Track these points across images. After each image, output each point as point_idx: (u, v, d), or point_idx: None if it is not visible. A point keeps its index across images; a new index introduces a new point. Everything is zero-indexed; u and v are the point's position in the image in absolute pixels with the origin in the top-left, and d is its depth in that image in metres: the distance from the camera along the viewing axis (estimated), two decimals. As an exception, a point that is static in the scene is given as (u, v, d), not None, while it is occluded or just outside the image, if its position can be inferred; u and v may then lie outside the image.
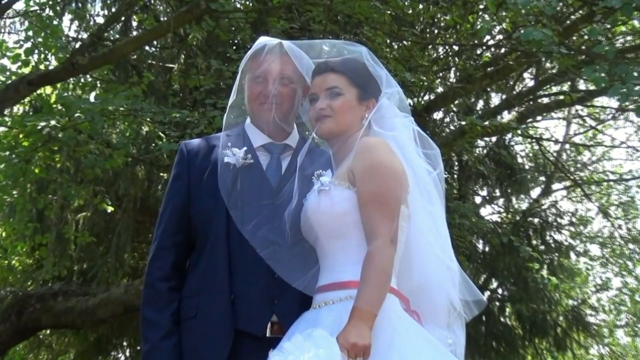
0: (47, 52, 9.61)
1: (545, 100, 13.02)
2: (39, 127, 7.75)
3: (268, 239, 3.06)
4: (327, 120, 3.06)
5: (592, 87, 10.86)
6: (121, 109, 8.16)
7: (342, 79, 3.09)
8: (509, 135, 12.78)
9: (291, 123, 3.34)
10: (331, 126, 3.07)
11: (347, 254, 2.92)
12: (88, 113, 7.80)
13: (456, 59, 11.31)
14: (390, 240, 2.82)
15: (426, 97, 11.14)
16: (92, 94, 10.37)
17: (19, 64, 9.37)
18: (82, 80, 10.53)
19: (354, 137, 3.05)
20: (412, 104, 9.57)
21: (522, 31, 7.00)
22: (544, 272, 11.91)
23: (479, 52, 11.49)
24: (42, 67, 9.60)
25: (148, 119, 8.59)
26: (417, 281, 3.04)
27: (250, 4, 9.91)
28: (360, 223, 2.89)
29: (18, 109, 10.84)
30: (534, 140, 13.70)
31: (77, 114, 7.87)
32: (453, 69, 11.81)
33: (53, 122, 7.81)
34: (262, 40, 3.33)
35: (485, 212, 14.17)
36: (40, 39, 9.44)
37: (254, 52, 3.29)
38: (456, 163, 12.74)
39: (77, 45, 9.28)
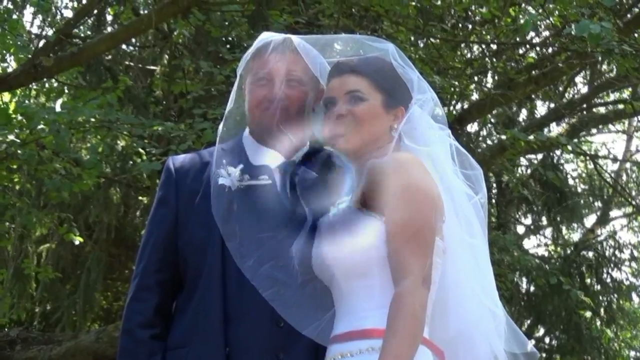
0: (4, 51, 9.64)
1: (602, 110, 13.00)
2: None
3: (273, 277, 3.01)
4: (340, 139, 3.00)
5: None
6: (92, 120, 8.12)
7: (365, 82, 3.00)
8: (558, 152, 12.75)
9: (299, 134, 3.27)
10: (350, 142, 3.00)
11: (370, 296, 2.85)
12: (53, 125, 7.70)
13: (494, 60, 11.27)
14: (422, 279, 2.75)
15: (458, 106, 11.12)
16: (59, 102, 10.37)
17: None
18: (47, 85, 10.55)
19: (381, 152, 2.98)
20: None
21: (574, 25, 6.98)
22: (598, 322, 12.04)
23: (521, 51, 11.45)
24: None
25: (125, 132, 8.58)
26: (454, 330, 2.98)
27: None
28: (386, 259, 2.80)
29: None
30: (588, 157, 13.68)
31: (40, 126, 7.81)
32: (490, 72, 11.78)
33: (11, 137, 7.80)
34: (266, 35, 3.29)
35: (530, 244, 14.22)
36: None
37: (256, 49, 3.25)
38: (494, 185, 12.70)
39: (41, 44, 9.29)
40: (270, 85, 3.16)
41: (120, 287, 11.74)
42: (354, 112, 2.97)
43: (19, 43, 9.27)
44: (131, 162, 9.25)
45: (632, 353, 14.60)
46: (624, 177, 15.61)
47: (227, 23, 9.93)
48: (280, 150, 3.22)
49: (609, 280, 13.17)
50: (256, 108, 3.20)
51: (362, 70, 3.03)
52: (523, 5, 10.27)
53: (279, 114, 3.14)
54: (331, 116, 3.02)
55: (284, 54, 3.18)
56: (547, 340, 12.99)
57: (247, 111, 3.26)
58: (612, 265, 13.38)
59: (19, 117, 8.24)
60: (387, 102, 3.02)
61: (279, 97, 3.14)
